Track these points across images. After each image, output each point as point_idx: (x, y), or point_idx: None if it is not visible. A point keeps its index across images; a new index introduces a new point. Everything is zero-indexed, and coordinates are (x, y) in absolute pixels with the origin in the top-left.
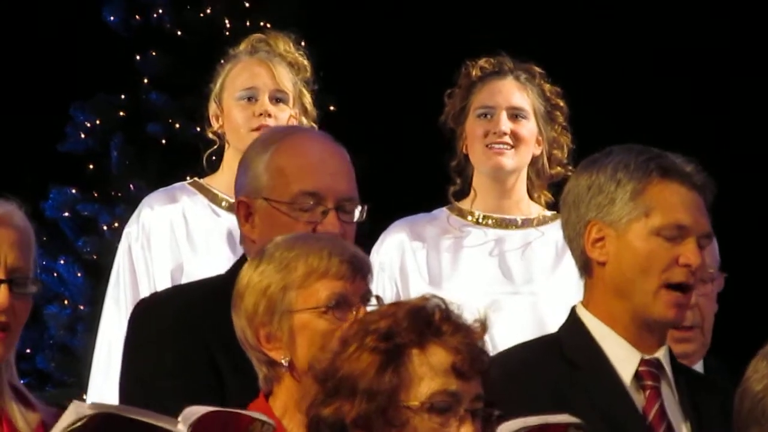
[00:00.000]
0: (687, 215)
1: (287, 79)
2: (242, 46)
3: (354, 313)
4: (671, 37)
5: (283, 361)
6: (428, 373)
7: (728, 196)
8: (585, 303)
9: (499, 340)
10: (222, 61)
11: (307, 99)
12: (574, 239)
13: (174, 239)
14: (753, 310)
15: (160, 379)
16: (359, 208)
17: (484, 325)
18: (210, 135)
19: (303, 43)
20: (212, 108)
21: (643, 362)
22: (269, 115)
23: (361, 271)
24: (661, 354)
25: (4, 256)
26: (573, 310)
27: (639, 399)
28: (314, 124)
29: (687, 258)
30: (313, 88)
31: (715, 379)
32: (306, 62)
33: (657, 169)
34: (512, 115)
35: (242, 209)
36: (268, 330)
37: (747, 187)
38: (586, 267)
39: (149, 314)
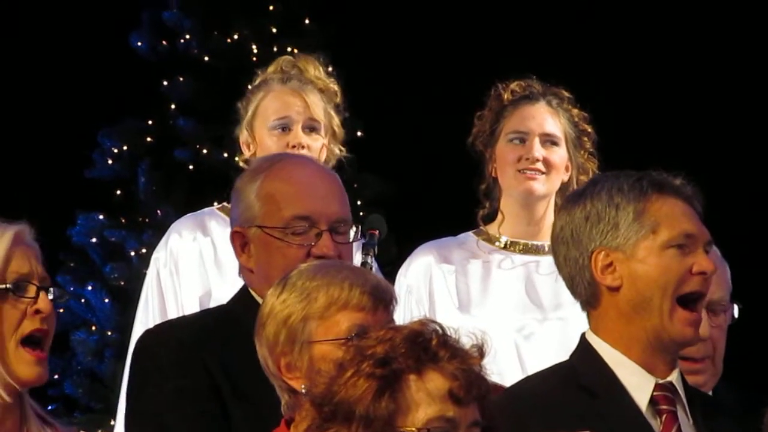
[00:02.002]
0: (691, 224)
1: (320, 108)
2: (271, 69)
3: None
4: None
5: (303, 390)
6: (425, 399)
7: (742, 227)
8: (594, 330)
9: (530, 366)
10: (252, 86)
11: (336, 122)
12: (577, 274)
13: (202, 265)
14: (763, 337)
15: (165, 413)
16: (353, 228)
17: (481, 350)
18: (241, 163)
19: (330, 68)
20: (243, 135)
21: (657, 387)
22: (303, 147)
23: (383, 302)
24: (674, 377)
25: (34, 266)
26: (583, 337)
27: (656, 424)
28: (342, 148)
29: (701, 266)
30: (343, 114)
31: (726, 402)
32: (336, 87)
33: (651, 186)
34: (545, 141)
35: (237, 240)
36: (289, 359)
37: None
38: (594, 297)
39: (151, 347)
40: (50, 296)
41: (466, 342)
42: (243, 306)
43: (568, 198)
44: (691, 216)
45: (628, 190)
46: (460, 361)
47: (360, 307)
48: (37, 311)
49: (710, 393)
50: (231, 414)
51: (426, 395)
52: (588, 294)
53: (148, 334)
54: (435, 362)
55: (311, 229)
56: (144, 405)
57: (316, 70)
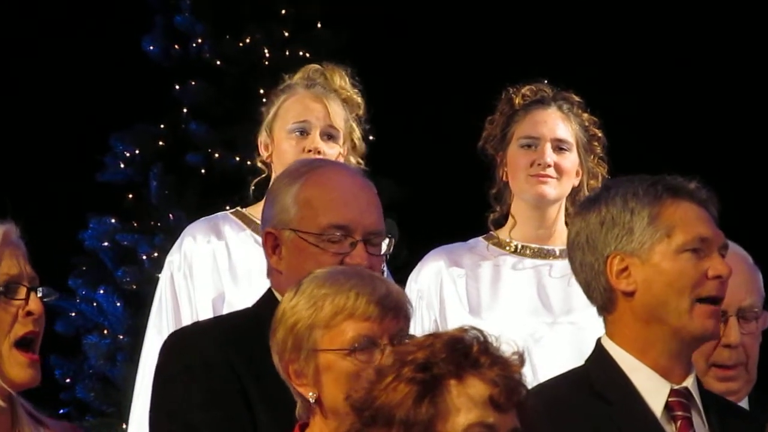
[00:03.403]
0: (706, 228)
1: (340, 117)
2: (298, 76)
3: (381, 355)
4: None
5: (310, 398)
6: (465, 404)
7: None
8: (610, 335)
9: (540, 370)
10: (277, 89)
11: (357, 135)
12: (592, 279)
13: (216, 269)
14: None
15: (191, 413)
16: (386, 241)
17: (522, 358)
18: (258, 163)
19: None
20: (263, 136)
21: (672, 392)
22: (318, 152)
23: (392, 312)
24: (689, 383)
25: (23, 267)
26: (599, 342)
27: (671, 430)
28: (361, 161)
29: (716, 269)
30: (364, 126)
31: (744, 408)
32: (360, 100)
33: (666, 190)
34: (556, 146)
35: (269, 241)
36: (296, 366)
37: None
38: (609, 302)
39: (180, 348)
40: (39, 295)
41: (507, 349)
42: (269, 310)
43: (583, 203)
44: (705, 220)
45: (643, 194)
46: (500, 368)
47: (366, 316)
48: (29, 313)
49: (746, 401)
50: (257, 417)
51: (466, 401)
52: (604, 299)
53: (175, 336)
54: (475, 368)
55: (346, 239)
56: (171, 406)
57: (341, 80)
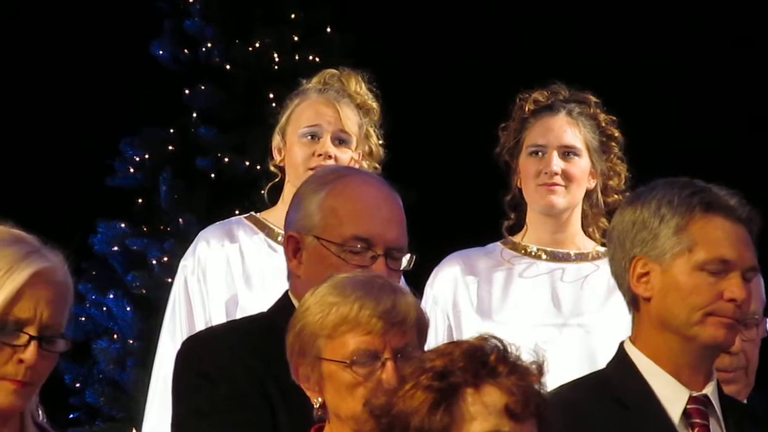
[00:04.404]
0: (731, 249)
1: (352, 122)
2: (314, 81)
3: (381, 368)
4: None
5: (315, 402)
6: (481, 412)
7: None
8: (633, 339)
9: (549, 372)
10: (292, 93)
11: (373, 141)
12: (620, 275)
13: (230, 273)
14: None
15: (216, 414)
16: (407, 256)
17: (541, 368)
18: (272, 168)
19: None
20: (276, 141)
21: (691, 399)
22: (330, 157)
23: (396, 326)
24: (709, 390)
25: (40, 313)
26: (621, 346)
27: None
28: (377, 166)
29: (732, 293)
30: (379, 131)
31: (760, 411)
32: (375, 105)
33: (700, 204)
34: (564, 153)
35: (291, 244)
36: (302, 370)
37: None
38: (633, 302)
39: (196, 355)
40: (55, 347)
41: (526, 358)
42: (283, 315)
43: (631, 196)
44: (735, 241)
45: (677, 203)
46: (518, 377)
47: (368, 330)
48: (21, 360)
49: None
50: (279, 421)
51: (482, 409)
52: (629, 297)
53: (190, 342)
54: (493, 377)
55: (367, 252)
56: (193, 410)
57: (357, 85)
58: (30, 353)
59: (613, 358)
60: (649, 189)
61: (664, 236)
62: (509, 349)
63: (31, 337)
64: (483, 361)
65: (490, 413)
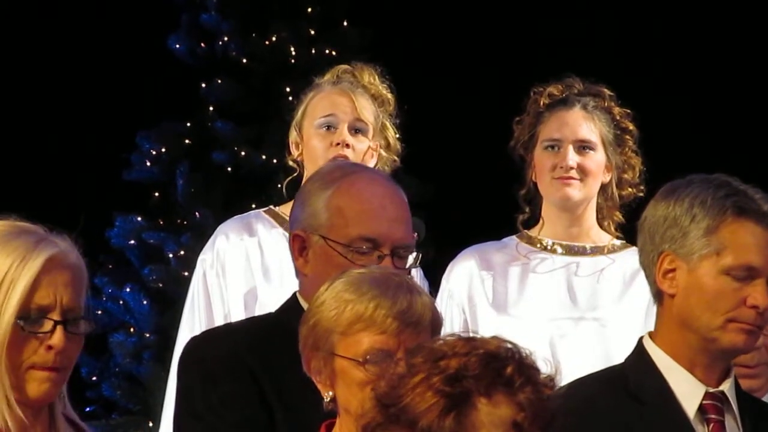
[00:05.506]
0: (759, 256)
1: (368, 111)
2: (327, 76)
3: (395, 368)
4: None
5: (326, 397)
6: (491, 424)
7: None
8: (653, 334)
9: (565, 366)
10: (307, 89)
11: (390, 133)
12: (648, 267)
13: (249, 268)
14: None
15: (213, 416)
16: (413, 254)
17: (553, 382)
18: (290, 162)
19: (387, 79)
20: (292, 135)
21: (707, 395)
22: (347, 146)
23: (411, 326)
24: (726, 387)
25: (60, 297)
26: (640, 342)
27: None
28: (396, 158)
29: (755, 299)
30: (395, 122)
31: None
32: (390, 96)
33: (733, 207)
34: (579, 147)
35: (297, 243)
36: (314, 364)
37: None
38: (657, 296)
39: (201, 352)
40: (80, 329)
41: (541, 367)
42: (290, 316)
43: (666, 189)
44: (764, 247)
45: (710, 204)
46: (531, 390)
47: (383, 329)
48: (50, 347)
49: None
50: (277, 422)
51: (492, 420)
52: (654, 290)
53: (193, 342)
54: (507, 387)
55: (374, 252)
56: (191, 409)
57: (371, 76)
58: (57, 338)
59: (632, 354)
60: (685, 184)
61: (694, 236)
62: (524, 357)
63: (56, 322)
64: (499, 371)
65: (497, 426)
